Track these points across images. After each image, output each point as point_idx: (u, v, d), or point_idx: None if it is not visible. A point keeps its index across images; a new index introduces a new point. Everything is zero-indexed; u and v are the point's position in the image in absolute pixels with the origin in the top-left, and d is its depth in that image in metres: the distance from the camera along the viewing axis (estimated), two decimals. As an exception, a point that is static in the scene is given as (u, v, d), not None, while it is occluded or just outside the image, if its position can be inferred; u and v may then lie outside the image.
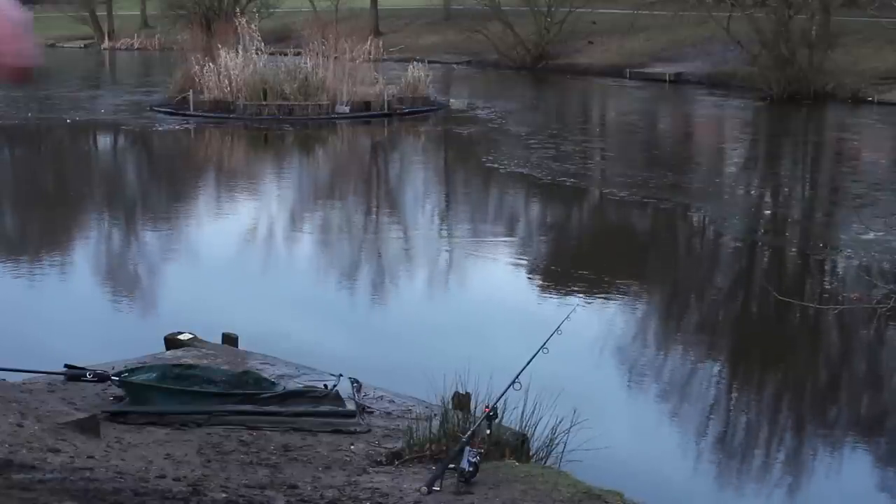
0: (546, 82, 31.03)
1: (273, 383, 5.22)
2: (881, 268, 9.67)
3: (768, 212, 13.43)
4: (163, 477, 3.64)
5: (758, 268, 10.58)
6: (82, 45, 49.68)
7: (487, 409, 3.97)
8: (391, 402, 5.45)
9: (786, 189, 14.93)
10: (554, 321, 4.48)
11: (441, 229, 12.11)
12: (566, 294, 9.01)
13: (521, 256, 10.92)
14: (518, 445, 4.35)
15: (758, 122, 22.51)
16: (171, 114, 21.62)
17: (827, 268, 10.29)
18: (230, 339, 6.43)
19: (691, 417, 6.46)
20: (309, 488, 3.64)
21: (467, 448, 3.67)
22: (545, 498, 3.57)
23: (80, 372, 5.26)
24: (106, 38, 49.19)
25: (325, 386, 5.25)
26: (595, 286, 9.30)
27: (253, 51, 21.97)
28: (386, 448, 4.43)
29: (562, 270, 10.19)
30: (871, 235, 10.73)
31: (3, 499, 2.91)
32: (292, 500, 3.52)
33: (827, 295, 9.06)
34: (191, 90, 21.61)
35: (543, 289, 9.39)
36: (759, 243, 11.44)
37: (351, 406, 5.11)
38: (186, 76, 22.36)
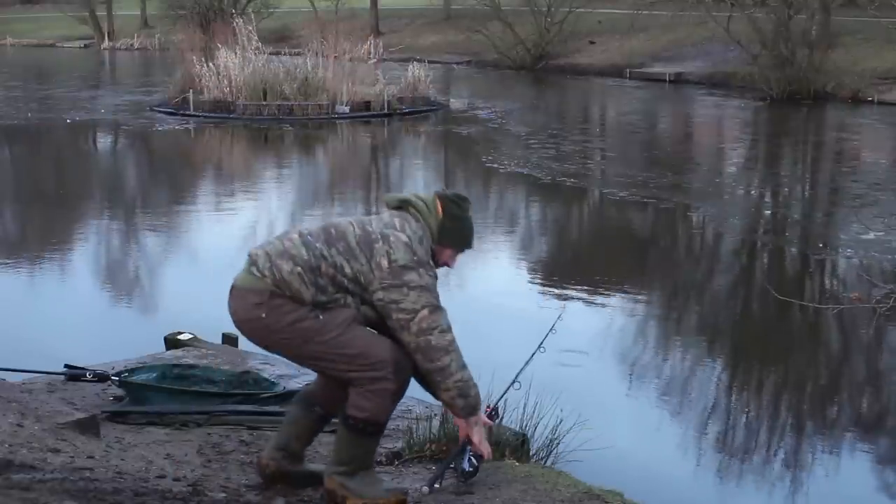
0: (546, 82, 31.03)
1: (273, 383, 5.21)
2: (881, 268, 9.67)
3: (768, 212, 13.44)
4: (163, 477, 3.64)
5: (758, 267, 10.58)
6: (82, 45, 49.70)
7: (488, 409, 3.97)
8: (391, 401, 5.43)
9: (786, 189, 14.94)
10: (554, 320, 4.48)
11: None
12: (567, 293, 9.01)
13: (522, 256, 10.93)
14: (518, 445, 4.34)
15: (758, 122, 22.51)
16: (170, 114, 21.63)
17: (827, 268, 10.29)
18: (230, 340, 6.41)
19: (691, 417, 6.46)
20: (309, 489, 3.64)
21: (468, 448, 3.67)
22: (545, 498, 3.57)
23: (80, 372, 5.25)
24: (106, 38, 49.20)
25: (326, 386, 5.24)
26: (595, 286, 9.31)
27: (251, 50, 21.97)
28: (386, 448, 4.42)
29: (562, 270, 10.19)
30: (871, 235, 10.74)
31: (3, 499, 2.91)
32: (292, 500, 3.52)
33: (827, 295, 9.06)
34: (190, 90, 21.62)
35: (544, 288, 9.39)
36: (759, 243, 11.45)
37: (351, 406, 5.10)
38: (186, 76, 22.38)
